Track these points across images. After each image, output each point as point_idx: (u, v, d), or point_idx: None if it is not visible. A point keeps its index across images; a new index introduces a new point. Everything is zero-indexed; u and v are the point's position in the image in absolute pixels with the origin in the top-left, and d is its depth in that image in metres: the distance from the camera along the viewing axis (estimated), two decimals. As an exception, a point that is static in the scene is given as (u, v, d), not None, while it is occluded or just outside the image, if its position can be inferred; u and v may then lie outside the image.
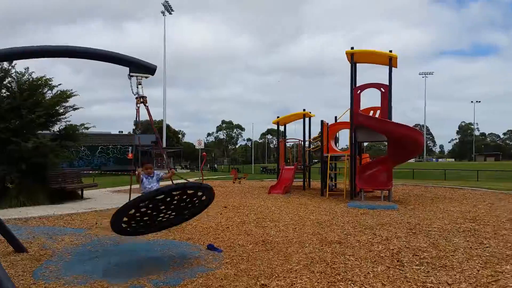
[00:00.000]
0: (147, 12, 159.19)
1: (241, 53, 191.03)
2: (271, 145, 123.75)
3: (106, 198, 13.02)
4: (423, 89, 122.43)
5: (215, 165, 61.39)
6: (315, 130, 17.34)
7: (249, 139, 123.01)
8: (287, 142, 19.81)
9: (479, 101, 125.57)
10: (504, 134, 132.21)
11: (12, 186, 10.70)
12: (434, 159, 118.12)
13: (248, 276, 4.42)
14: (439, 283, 4.00)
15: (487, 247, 5.42)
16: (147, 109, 5.12)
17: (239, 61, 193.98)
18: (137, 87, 5.03)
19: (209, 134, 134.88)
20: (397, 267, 4.63)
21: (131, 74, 4.98)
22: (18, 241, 5.59)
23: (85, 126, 13.10)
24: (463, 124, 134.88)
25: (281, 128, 18.32)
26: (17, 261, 5.05)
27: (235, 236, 6.61)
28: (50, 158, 11.53)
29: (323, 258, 5.08)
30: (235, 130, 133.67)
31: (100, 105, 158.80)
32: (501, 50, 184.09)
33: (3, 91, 11.37)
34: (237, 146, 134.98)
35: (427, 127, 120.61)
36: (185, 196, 4.85)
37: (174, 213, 5.13)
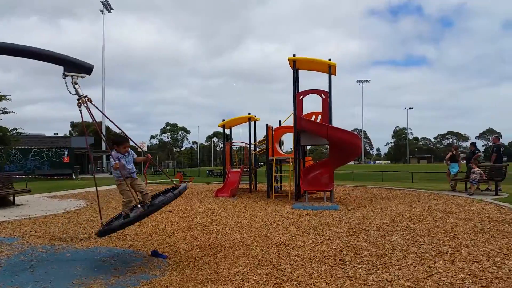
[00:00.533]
0: (85, 9, 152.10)
1: (185, 56, 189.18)
2: (217, 148, 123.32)
3: (41, 204, 12.18)
4: (361, 96, 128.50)
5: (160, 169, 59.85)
6: (260, 134, 17.63)
7: (194, 142, 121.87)
8: (233, 145, 19.83)
9: (412, 108, 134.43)
10: (434, 138, 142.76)
11: None
12: (371, 162, 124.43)
13: (195, 281, 4.36)
14: (379, 280, 4.21)
15: (422, 244, 5.79)
16: (89, 110, 4.87)
17: (183, 64, 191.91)
18: (74, 87, 4.79)
19: (152, 137, 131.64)
20: (340, 266, 4.80)
21: (66, 73, 4.74)
22: None
23: (18, 131, 12.23)
24: (397, 128, 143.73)
25: (227, 131, 18.30)
26: None
27: (180, 241, 6.49)
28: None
29: (269, 260, 5.14)
30: (180, 133, 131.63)
31: (33, 105, 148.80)
32: (430, 61, 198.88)
33: None
34: (182, 149, 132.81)
35: (364, 131, 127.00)
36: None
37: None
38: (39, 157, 32.83)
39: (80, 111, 4.84)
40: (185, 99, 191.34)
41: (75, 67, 4.84)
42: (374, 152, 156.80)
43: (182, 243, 6.30)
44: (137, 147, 6.89)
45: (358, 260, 5.02)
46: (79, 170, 35.31)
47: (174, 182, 5.86)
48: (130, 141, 5.42)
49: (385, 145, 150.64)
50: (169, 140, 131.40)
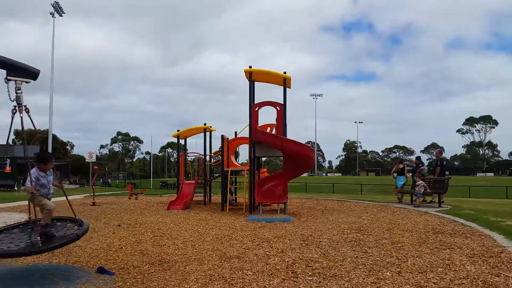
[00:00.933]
0: (34, 12, 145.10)
1: (138, 64, 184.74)
2: (172, 159, 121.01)
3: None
4: (314, 109, 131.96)
5: (109, 180, 57.65)
6: (216, 145, 17.47)
7: (148, 152, 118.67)
8: (188, 156, 19.55)
9: (361, 122, 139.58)
10: (382, 151, 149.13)
11: None
12: (324, 174, 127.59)
13: (143, 299, 4.19)
14: (329, 292, 4.27)
15: (370, 255, 5.97)
16: (30, 119, 4.62)
17: (135, 72, 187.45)
18: (16, 93, 4.51)
19: (102, 146, 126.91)
20: (292, 278, 4.82)
21: (9, 78, 4.46)
22: None
23: None
24: (348, 142, 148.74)
25: (182, 141, 18.04)
26: None
27: (129, 256, 6.23)
28: None
29: (222, 274, 5.06)
30: (132, 143, 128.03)
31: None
32: (379, 77, 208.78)
33: None
34: (134, 160, 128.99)
35: (317, 144, 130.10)
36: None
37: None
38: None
39: (12, 118, 4.58)
40: (136, 107, 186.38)
41: (21, 72, 4.57)
42: (326, 165, 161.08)
43: (131, 259, 6.05)
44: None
45: (310, 272, 5.07)
46: (22, 181, 33.10)
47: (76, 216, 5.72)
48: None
49: (337, 158, 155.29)
50: (120, 150, 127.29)
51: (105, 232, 8.40)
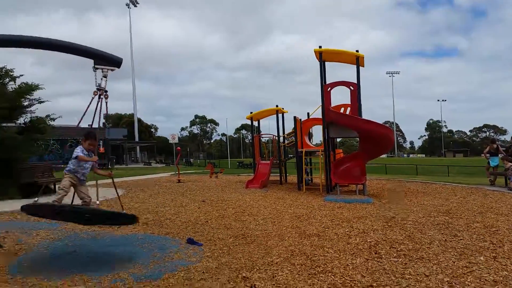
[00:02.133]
0: (112, 3, 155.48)
1: (211, 50, 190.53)
2: (246, 140, 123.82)
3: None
4: (391, 88, 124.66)
5: (191, 160, 60.90)
6: (289, 126, 17.49)
7: (223, 134, 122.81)
8: (262, 137, 19.86)
9: (445, 100, 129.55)
10: (470, 131, 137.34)
11: (-21, 181, 10.29)
12: (405, 155, 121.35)
13: (230, 269, 4.43)
14: (417, 274, 4.14)
15: (460, 239, 5.63)
16: (106, 104, 4.99)
17: (209, 58, 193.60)
18: (101, 80, 4.91)
19: (183, 129, 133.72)
20: (375, 259, 4.75)
21: (96, 66, 4.86)
22: (-11, 237, 5.38)
23: (51, 117, 12.73)
24: (431, 121, 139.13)
25: (255, 123, 18.33)
26: (-10, 257, 4.87)
27: (214, 230, 6.60)
28: (17, 152, 11.15)
29: (303, 251, 5.15)
30: (209, 125, 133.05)
31: (67, 98, 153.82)
32: (462, 52, 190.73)
33: None
34: (212, 141, 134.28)
35: (396, 123, 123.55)
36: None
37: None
38: (75, 147, 34.13)
39: (92, 98, 4.93)
40: (212, 91, 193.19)
41: (106, 61, 4.94)
42: (407, 145, 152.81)
43: (216, 232, 6.41)
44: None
45: (394, 254, 4.94)
46: (114, 160, 36.52)
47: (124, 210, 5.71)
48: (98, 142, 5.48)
49: (419, 138, 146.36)
50: (199, 132, 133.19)
51: (191, 207, 8.97)
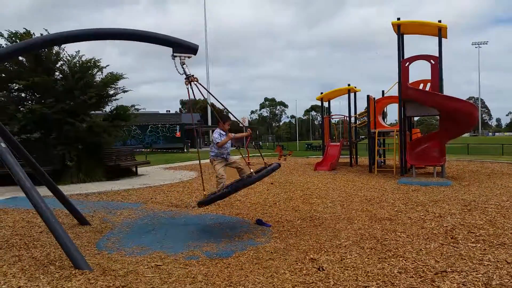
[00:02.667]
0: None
1: (282, 29, 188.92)
2: (316, 122, 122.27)
3: (159, 174, 13.61)
4: (477, 60, 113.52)
5: (260, 143, 61.79)
6: (361, 106, 16.89)
7: (292, 116, 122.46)
8: (332, 119, 19.45)
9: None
10: None
11: (72, 164, 11.45)
12: (490, 133, 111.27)
13: (297, 250, 4.49)
14: (497, 261, 3.85)
15: (551, 225, 5.11)
16: (201, 86, 5.18)
17: (280, 37, 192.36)
18: (182, 67, 5.10)
19: (252, 112, 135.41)
20: (451, 244, 4.50)
21: (175, 54, 5.06)
22: (81, 215, 6.02)
23: (136, 107, 13.67)
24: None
25: (325, 104, 17.97)
26: (82, 233, 5.46)
27: (282, 211, 6.70)
28: (104, 137, 12.16)
29: (373, 234, 5.04)
30: (278, 107, 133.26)
31: (147, 85, 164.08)
32: None
33: (57, 73, 12.03)
34: (281, 123, 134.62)
35: (482, 100, 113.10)
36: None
37: None
38: (155, 133, 36.41)
39: (188, 89, 5.17)
40: (282, 73, 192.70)
41: (183, 48, 5.14)
42: (493, 123, 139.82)
43: (284, 214, 6.51)
44: (239, 122, 7.22)
45: (472, 239, 4.63)
46: (189, 144, 38.38)
47: (265, 161, 5.94)
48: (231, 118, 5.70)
49: (507, 115, 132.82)
50: (268, 115, 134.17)
51: (260, 189, 9.17)
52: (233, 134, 5.62)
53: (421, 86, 12.07)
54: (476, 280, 3.37)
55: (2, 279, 3.56)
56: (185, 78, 5.10)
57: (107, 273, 3.73)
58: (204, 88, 5.29)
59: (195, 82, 5.12)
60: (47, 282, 3.45)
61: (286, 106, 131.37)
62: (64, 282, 3.45)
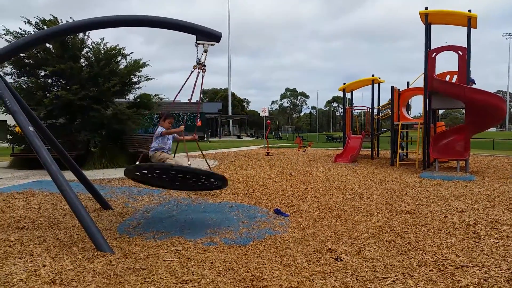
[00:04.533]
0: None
1: (306, 19, 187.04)
2: (337, 113, 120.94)
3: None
4: (507, 52, 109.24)
5: (280, 133, 61.68)
6: (385, 97, 16.70)
7: (313, 107, 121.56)
8: (354, 110, 19.20)
9: None
10: None
11: (95, 150, 11.72)
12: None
13: (315, 240, 4.49)
14: (522, 258, 3.75)
15: None
16: (202, 78, 5.17)
17: (304, 27, 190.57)
18: (201, 55, 5.10)
19: (273, 102, 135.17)
20: (473, 239, 4.40)
21: (198, 42, 5.07)
22: (104, 199, 6.18)
23: (159, 97, 13.81)
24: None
25: (348, 95, 17.73)
26: (104, 217, 5.60)
27: (301, 202, 6.70)
28: (128, 124, 12.37)
29: (393, 227, 4.98)
30: (299, 98, 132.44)
31: (171, 74, 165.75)
32: None
33: (82, 60, 12.26)
34: (301, 114, 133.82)
35: (510, 93, 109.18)
36: (195, 179, 5.06)
37: (182, 182, 5.31)
38: (176, 121, 36.81)
39: (192, 72, 5.12)
40: (304, 63, 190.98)
41: (206, 36, 5.15)
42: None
43: (303, 204, 6.50)
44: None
45: (495, 235, 4.53)
46: (209, 133, 38.70)
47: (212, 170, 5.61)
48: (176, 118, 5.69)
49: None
50: (288, 105, 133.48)
51: (279, 179, 9.17)
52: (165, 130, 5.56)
53: (447, 78, 11.76)
54: (498, 276, 3.30)
55: (29, 258, 3.70)
56: (197, 63, 5.08)
57: (128, 255, 3.82)
58: (202, 80, 5.25)
59: (202, 72, 5.10)
60: (71, 263, 3.57)
61: (307, 97, 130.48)
62: (87, 263, 3.55)
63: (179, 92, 5.85)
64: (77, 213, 4.08)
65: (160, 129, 5.60)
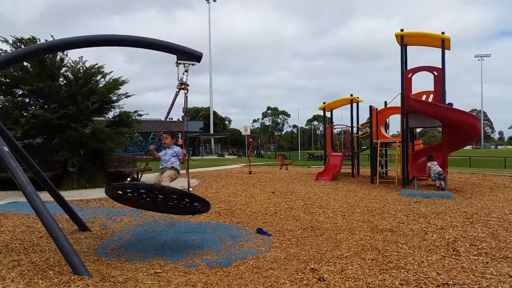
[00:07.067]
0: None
1: (288, 39, 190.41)
2: (318, 132, 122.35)
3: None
4: (479, 73, 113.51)
5: (262, 151, 61.79)
6: (363, 116, 16.98)
7: (295, 126, 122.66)
8: (334, 129, 19.46)
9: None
10: None
11: (73, 170, 11.44)
12: (492, 146, 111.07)
13: (298, 260, 4.46)
14: (500, 274, 3.81)
15: (554, 239, 5.06)
16: (185, 97, 5.18)
17: (286, 47, 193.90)
18: (183, 74, 5.11)
19: (255, 121, 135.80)
20: (453, 256, 4.46)
21: (179, 61, 5.08)
22: (81, 221, 6.01)
23: (139, 113, 13.67)
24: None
25: (328, 114, 17.99)
26: (82, 239, 5.44)
27: (283, 221, 6.67)
28: (107, 143, 12.16)
29: (375, 245, 5.00)
30: (280, 117, 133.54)
31: (153, 93, 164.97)
32: None
33: (60, 79, 12.10)
34: (283, 133, 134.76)
35: (484, 112, 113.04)
36: (175, 201, 4.88)
37: (162, 205, 5.15)
38: (157, 140, 36.45)
39: (177, 93, 5.13)
40: (286, 82, 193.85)
41: (187, 55, 5.17)
42: (496, 136, 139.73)
43: (285, 223, 6.47)
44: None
45: (475, 252, 4.60)
46: (191, 152, 38.40)
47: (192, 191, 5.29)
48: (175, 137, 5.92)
49: (509, 128, 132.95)
50: (270, 124, 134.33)
51: (261, 198, 9.13)
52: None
53: (424, 98, 12.09)
54: (478, 294, 3.34)
55: (1, 283, 3.54)
56: (180, 83, 5.09)
57: (106, 279, 3.71)
58: (185, 101, 5.25)
59: (185, 91, 5.11)
60: (46, 287, 3.43)
61: (288, 115, 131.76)
62: (63, 288, 3.42)
63: (169, 111, 5.79)
64: (54, 235, 3.94)
65: (179, 149, 5.73)
